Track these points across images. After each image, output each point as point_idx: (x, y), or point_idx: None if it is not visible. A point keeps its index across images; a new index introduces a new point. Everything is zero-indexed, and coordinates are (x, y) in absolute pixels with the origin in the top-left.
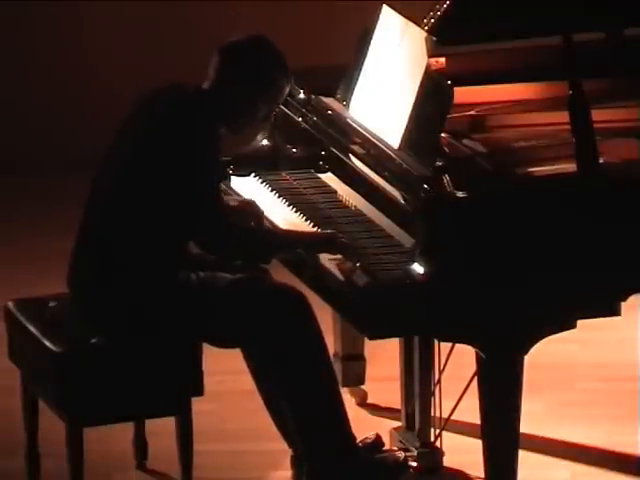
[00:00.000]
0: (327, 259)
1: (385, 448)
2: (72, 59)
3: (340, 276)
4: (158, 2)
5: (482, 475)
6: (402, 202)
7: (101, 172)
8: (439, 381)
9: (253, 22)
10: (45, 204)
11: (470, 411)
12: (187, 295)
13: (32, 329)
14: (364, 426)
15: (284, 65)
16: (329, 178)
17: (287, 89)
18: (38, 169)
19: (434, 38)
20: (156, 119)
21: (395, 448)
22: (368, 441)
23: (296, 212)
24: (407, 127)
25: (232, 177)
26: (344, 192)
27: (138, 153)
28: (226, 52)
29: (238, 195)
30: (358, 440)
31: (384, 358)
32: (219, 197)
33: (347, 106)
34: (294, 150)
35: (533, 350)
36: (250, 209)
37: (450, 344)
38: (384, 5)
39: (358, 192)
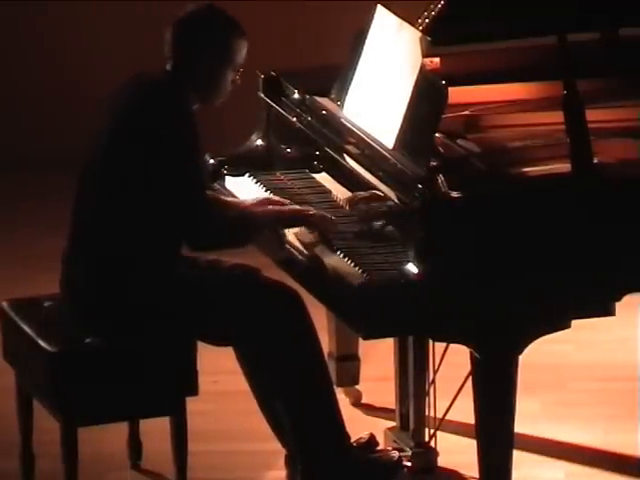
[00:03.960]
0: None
1: (379, 448)
2: (72, 59)
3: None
4: (158, 2)
5: (476, 475)
6: (397, 202)
7: (84, 171)
8: (433, 381)
9: (251, 22)
10: (44, 202)
11: (464, 411)
12: (180, 293)
13: (27, 329)
14: (358, 426)
15: (236, 26)
16: (323, 178)
17: (245, 48)
18: (37, 168)
19: (428, 38)
20: (130, 114)
21: (389, 448)
22: (362, 441)
23: None
24: (401, 127)
25: (227, 177)
26: (338, 192)
27: (116, 150)
28: (178, 28)
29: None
30: (352, 440)
31: (378, 358)
32: (199, 184)
33: (341, 106)
34: (288, 150)
35: (527, 350)
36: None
37: (444, 344)
38: (378, 5)
39: (352, 192)
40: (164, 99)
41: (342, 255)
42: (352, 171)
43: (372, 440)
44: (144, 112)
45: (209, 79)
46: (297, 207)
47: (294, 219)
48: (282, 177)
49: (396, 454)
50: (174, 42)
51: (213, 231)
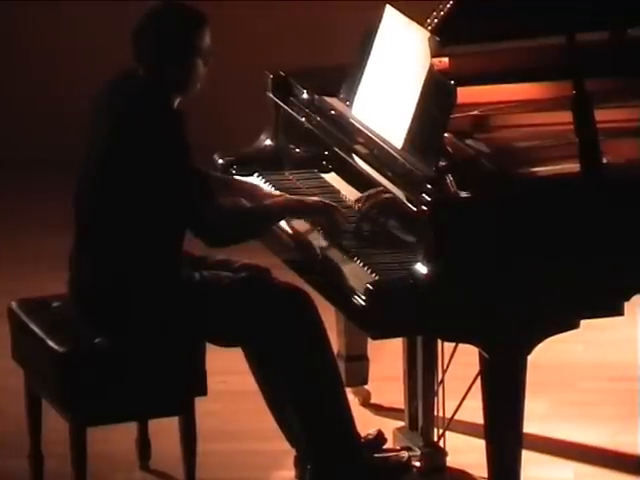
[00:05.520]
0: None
1: (389, 447)
2: (71, 59)
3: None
4: (156, 3)
5: (485, 475)
6: (406, 202)
7: (82, 173)
8: (442, 381)
9: (260, 23)
10: (49, 201)
11: (473, 411)
12: (190, 294)
13: (36, 329)
14: (367, 426)
15: (193, 16)
16: (332, 178)
17: (207, 34)
18: (41, 166)
19: (437, 38)
20: (117, 118)
21: (398, 447)
22: (370, 437)
23: None
24: (410, 127)
25: (235, 177)
26: (347, 192)
27: (109, 153)
28: (137, 33)
29: None
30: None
31: (387, 358)
32: (200, 181)
33: (350, 106)
34: (297, 150)
35: (536, 350)
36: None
37: (453, 344)
38: (387, 5)
39: (361, 192)
40: (145, 107)
41: (351, 255)
42: (361, 171)
43: (380, 436)
44: (129, 122)
45: (180, 75)
46: (311, 198)
47: (303, 208)
48: (291, 177)
49: (405, 455)
50: (136, 47)
51: (222, 227)
